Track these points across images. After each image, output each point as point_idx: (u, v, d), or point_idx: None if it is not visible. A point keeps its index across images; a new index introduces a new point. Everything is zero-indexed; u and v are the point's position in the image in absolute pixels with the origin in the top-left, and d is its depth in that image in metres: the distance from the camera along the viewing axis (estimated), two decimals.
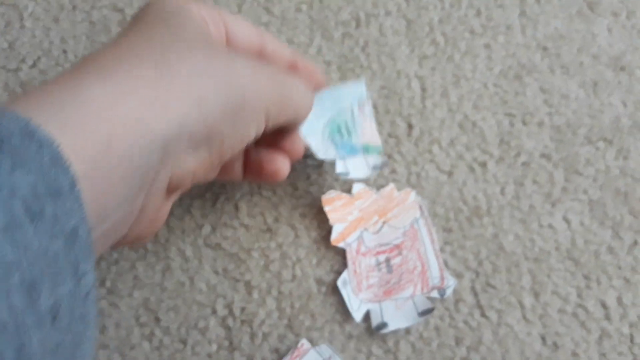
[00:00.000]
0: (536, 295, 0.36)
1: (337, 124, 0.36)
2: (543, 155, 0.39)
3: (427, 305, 0.34)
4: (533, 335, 0.35)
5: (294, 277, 0.36)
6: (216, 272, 0.36)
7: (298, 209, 0.37)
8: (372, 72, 0.41)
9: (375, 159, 0.36)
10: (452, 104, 0.40)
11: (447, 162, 0.38)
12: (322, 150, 0.35)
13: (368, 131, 0.37)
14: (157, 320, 0.34)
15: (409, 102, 0.40)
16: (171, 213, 0.36)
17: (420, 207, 0.37)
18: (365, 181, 0.37)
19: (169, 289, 0.35)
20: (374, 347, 0.35)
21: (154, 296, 0.35)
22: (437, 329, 0.35)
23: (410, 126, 0.39)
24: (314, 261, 0.36)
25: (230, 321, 0.35)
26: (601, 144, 0.38)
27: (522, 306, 0.35)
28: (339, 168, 0.35)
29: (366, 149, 0.36)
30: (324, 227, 0.37)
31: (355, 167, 0.36)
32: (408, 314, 0.34)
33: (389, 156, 0.38)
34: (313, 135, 0.35)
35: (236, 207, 0.37)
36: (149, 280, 0.35)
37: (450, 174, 0.38)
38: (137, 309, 0.35)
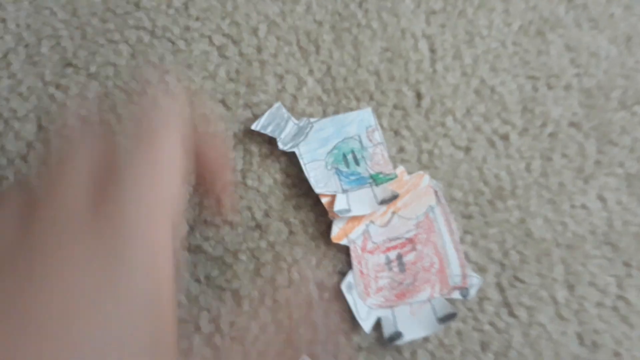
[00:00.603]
0: (570, 288, 0.31)
1: (343, 152, 0.31)
2: (572, 124, 0.33)
3: (448, 309, 0.29)
4: (569, 335, 0.30)
5: (290, 282, 0.30)
6: (197, 281, 0.30)
7: (291, 200, 0.31)
8: (371, 31, 0.34)
9: (384, 191, 0.31)
10: (466, 66, 0.34)
11: (463, 137, 0.33)
12: (322, 181, 0.30)
13: (379, 159, 0.31)
14: None
15: (417, 66, 0.33)
16: None
17: (436, 193, 0.31)
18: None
19: None
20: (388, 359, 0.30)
21: None
22: (459, 333, 0.30)
23: (419, 95, 0.33)
24: (313, 262, 0.31)
25: (217, 339, 0.29)
26: (638, 109, 0.34)
27: (555, 302, 0.30)
28: (339, 204, 0.30)
29: (376, 179, 0.31)
30: (323, 222, 0.31)
31: (359, 201, 0.30)
32: (426, 320, 0.29)
33: (395, 132, 0.33)
34: (314, 165, 0.31)
35: (218, 201, 0.31)
36: None
37: (467, 150, 0.32)
38: None
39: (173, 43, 0.33)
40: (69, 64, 0.33)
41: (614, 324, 0.31)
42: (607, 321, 0.31)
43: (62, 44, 0.33)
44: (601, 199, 0.32)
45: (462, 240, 0.31)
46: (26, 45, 0.33)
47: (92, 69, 0.32)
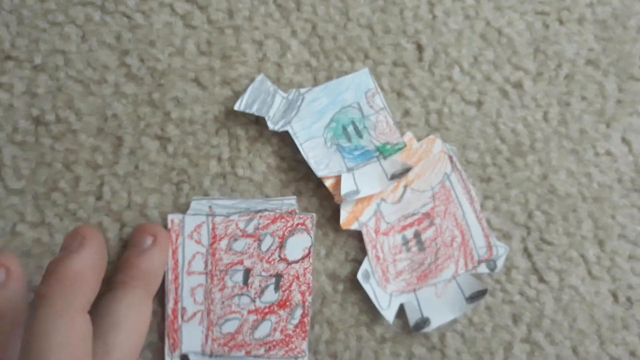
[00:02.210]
0: (601, 243, 0.28)
1: (342, 124, 0.27)
2: (589, 62, 0.30)
3: (476, 286, 0.27)
4: (602, 294, 0.28)
5: None
6: None
7: (290, 186, 0.28)
8: None
9: (394, 165, 0.27)
10: (468, 8, 0.30)
11: (473, 89, 0.29)
12: (323, 162, 0.27)
13: (383, 127, 0.27)
14: None
15: (414, 13, 0.29)
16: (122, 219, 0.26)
17: (450, 158, 0.28)
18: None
19: None
20: (415, 347, 0.27)
21: None
22: (488, 309, 0.28)
23: (419, 47, 0.29)
24: (322, 252, 0.28)
25: None
26: None
27: (585, 260, 0.28)
28: (346, 186, 0.26)
29: (383, 151, 0.27)
30: (328, 206, 0.27)
31: (367, 179, 0.27)
32: (453, 301, 0.27)
33: (398, 93, 0.29)
34: (312, 144, 0.27)
35: (206, 196, 0.27)
36: None
37: (479, 104, 0.29)
38: None
39: (129, 18, 0.28)
40: (9, 57, 0.27)
41: None
42: None
43: None
44: (626, 142, 0.30)
45: (482, 207, 0.28)
46: None
47: (37, 60, 0.27)
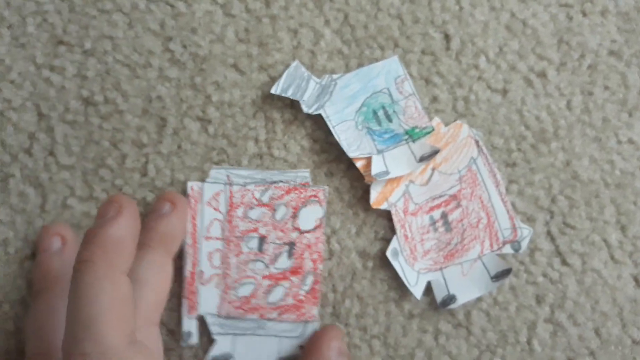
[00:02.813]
0: (623, 229, 0.29)
1: (373, 108, 0.28)
2: (612, 53, 0.31)
3: (501, 265, 0.28)
4: (624, 278, 0.29)
5: (331, 253, 0.29)
6: None
7: (322, 167, 0.29)
8: None
9: (422, 147, 0.28)
10: (493, 0, 0.31)
11: (499, 78, 0.30)
12: (355, 144, 0.28)
13: (412, 112, 0.28)
14: None
15: (441, 4, 0.30)
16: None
17: (477, 143, 0.29)
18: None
19: None
20: (442, 324, 0.28)
21: None
22: (512, 289, 0.29)
23: (447, 37, 0.30)
24: (353, 231, 0.29)
25: None
26: None
27: (608, 245, 0.29)
28: (376, 167, 0.27)
29: (412, 134, 0.28)
30: (359, 187, 0.29)
31: (397, 161, 0.28)
32: (479, 279, 0.28)
33: (426, 80, 0.30)
34: (344, 127, 0.28)
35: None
36: None
37: (504, 92, 0.30)
38: None
39: (172, 6, 0.30)
40: (61, 42, 0.29)
41: None
42: None
43: (49, 19, 0.29)
44: None
45: (507, 191, 0.29)
46: (9, 26, 0.29)
47: (87, 45, 0.29)
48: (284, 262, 0.27)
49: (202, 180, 0.28)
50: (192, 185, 0.27)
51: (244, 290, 0.27)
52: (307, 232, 0.27)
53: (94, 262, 0.21)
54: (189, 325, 0.27)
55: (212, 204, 0.27)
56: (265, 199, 0.27)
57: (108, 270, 0.21)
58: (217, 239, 0.27)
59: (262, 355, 0.27)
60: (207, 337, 0.28)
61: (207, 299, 0.27)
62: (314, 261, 0.27)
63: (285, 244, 0.27)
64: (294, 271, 0.27)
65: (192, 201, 0.27)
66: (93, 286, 0.20)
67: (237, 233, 0.27)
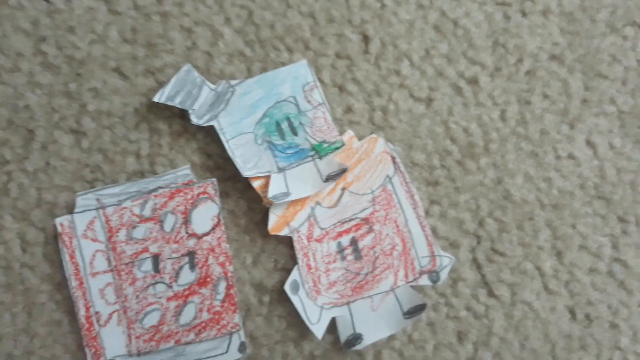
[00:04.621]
0: (559, 255, 0.27)
1: (276, 119, 0.26)
2: (553, 57, 0.28)
3: (416, 300, 0.25)
4: (558, 310, 0.26)
5: None
6: None
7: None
8: None
9: (330, 165, 0.25)
10: None
11: (423, 85, 0.27)
12: (252, 161, 0.25)
13: (321, 124, 0.25)
14: None
15: (360, 1, 0.27)
16: None
17: (393, 159, 0.26)
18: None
19: None
20: None
21: None
22: (430, 324, 0.26)
23: (365, 38, 0.27)
24: (249, 260, 0.25)
25: None
26: (629, 31, 0.29)
27: (541, 274, 0.27)
28: (275, 187, 0.24)
29: (319, 150, 0.25)
30: (258, 210, 0.25)
31: (300, 181, 0.25)
32: (390, 316, 0.25)
33: (340, 88, 0.26)
34: (240, 140, 0.25)
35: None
36: None
37: (429, 101, 0.27)
38: None
39: (48, 2, 0.26)
40: None
41: (610, 291, 0.27)
42: (601, 289, 0.27)
43: None
44: (590, 144, 0.28)
45: (427, 214, 0.26)
46: None
47: None
48: (187, 276, 0.24)
49: (72, 206, 0.25)
50: (61, 222, 0.24)
51: (150, 320, 0.24)
52: (205, 234, 0.24)
53: None
54: None
55: (88, 235, 0.24)
56: (147, 212, 0.24)
57: None
58: (105, 272, 0.24)
59: None
60: None
61: (111, 341, 0.24)
62: (221, 264, 0.24)
63: (183, 255, 0.24)
64: (202, 282, 0.24)
65: (65, 239, 0.24)
66: None
67: (125, 259, 0.24)
